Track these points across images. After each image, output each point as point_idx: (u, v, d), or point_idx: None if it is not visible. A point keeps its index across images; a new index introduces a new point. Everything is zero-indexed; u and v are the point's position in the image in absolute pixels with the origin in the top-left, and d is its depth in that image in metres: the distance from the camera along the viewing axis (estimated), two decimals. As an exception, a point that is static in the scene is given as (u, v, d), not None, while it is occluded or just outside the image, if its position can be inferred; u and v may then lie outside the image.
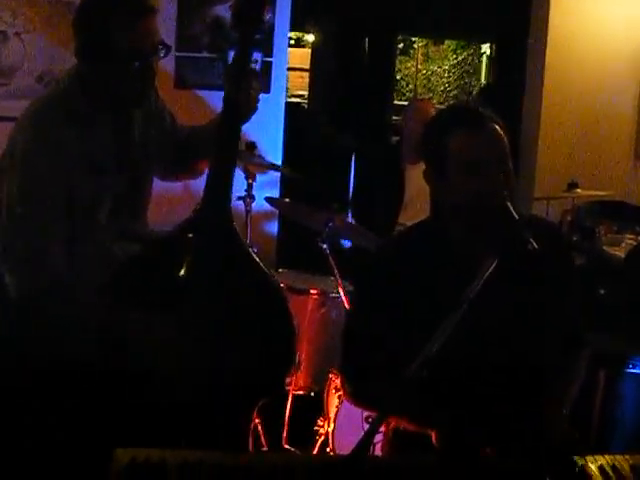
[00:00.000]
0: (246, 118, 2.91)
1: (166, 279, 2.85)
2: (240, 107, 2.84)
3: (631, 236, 6.12)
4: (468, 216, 2.59)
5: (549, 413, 2.63)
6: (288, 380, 4.52)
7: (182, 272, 2.83)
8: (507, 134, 2.61)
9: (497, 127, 2.58)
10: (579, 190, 5.81)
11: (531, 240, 2.47)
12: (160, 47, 2.81)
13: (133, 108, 2.91)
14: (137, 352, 2.78)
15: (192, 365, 2.77)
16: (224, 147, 2.84)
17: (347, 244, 5.00)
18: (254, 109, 2.95)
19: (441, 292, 2.43)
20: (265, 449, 4.26)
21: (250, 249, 2.99)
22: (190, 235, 2.86)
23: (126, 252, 2.91)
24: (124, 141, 2.94)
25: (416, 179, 5.50)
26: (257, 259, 2.94)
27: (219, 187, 2.83)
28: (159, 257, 2.92)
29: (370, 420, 4.14)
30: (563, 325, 2.75)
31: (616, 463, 2.31)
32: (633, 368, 4.30)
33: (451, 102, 18.02)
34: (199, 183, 2.96)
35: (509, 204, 2.50)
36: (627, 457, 2.34)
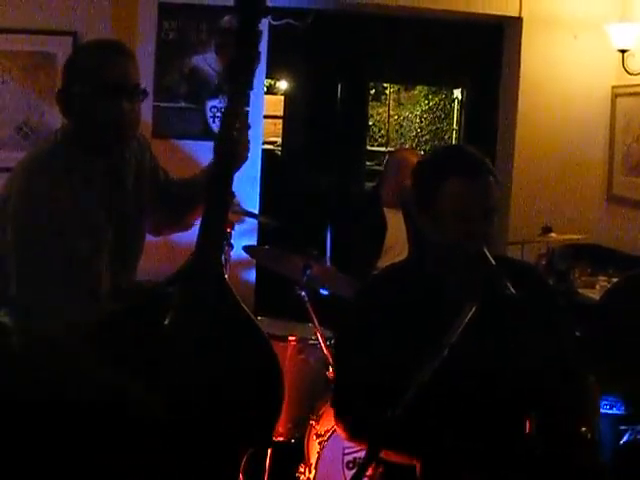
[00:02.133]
0: (239, 167, 2.95)
1: (152, 330, 2.85)
2: (234, 156, 2.87)
3: (604, 278, 6.17)
4: (447, 259, 2.63)
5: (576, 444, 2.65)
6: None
7: (166, 322, 2.83)
8: (499, 183, 2.66)
9: (492, 178, 2.63)
10: (553, 234, 5.87)
11: (508, 285, 2.51)
12: (136, 89, 2.87)
13: (116, 147, 2.93)
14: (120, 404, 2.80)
15: (178, 415, 2.78)
16: (217, 196, 2.85)
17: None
18: (246, 158, 3.01)
19: (423, 331, 2.45)
20: (246, 497, 4.25)
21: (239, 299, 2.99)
22: (178, 286, 2.86)
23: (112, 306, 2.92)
24: (117, 195, 2.97)
25: (396, 224, 5.56)
26: (246, 309, 2.96)
27: (212, 236, 2.83)
28: (146, 308, 2.92)
29: (351, 466, 4.17)
30: (556, 361, 2.76)
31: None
32: (609, 409, 4.33)
33: (423, 147, 18.15)
34: (193, 234, 2.97)
35: (486, 250, 2.54)
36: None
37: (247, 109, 2.97)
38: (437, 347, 2.26)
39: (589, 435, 2.69)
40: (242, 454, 2.97)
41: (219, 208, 2.85)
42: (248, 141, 3.00)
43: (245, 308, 2.98)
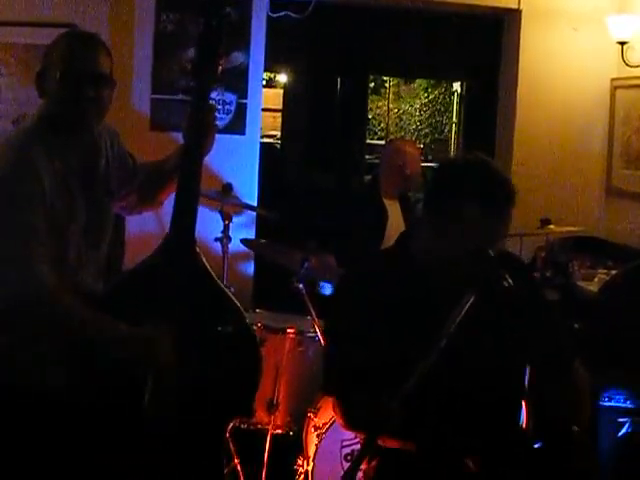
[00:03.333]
0: (205, 153, 3.13)
1: (136, 309, 2.98)
2: (200, 145, 3.07)
3: (604, 271, 6.17)
4: (447, 255, 2.62)
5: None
6: (267, 419, 4.54)
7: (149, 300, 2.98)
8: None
9: (512, 205, 2.66)
10: (552, 226, 5.86)
11: (506, 277, 2.52)
12: (109, 78, 3.02)
13: (84, 130, 3.06)
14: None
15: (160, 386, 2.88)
16: (188, 178, 3.04)
17: (327, 290, 5.02)
18: (211, 145, 3.17)
19: (411, 320, 2.44)
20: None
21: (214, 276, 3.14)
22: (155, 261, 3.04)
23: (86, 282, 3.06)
24: (89, 176, 3.10)
25: (395, 214, 5.55)
26: (218, 280, 3.13)
27: (185, 216, 3.01)
28: (129, 288, 3.08)
29: (349, 458, 4.17)
30: (547, 354, 2.77)
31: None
32: (608, 401, 4.33)
33: (423, 140, 18.15)
34: None
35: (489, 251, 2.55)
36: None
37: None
38: (435, 338, 2.26)
39: (581, 434, 2.69)
40: (225, 423, 3.16)
41: (191, 188, 3.03)
42: (214, 132, 3.17)
43: (216, 279, 3.13)
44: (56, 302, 2.84)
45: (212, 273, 3.12)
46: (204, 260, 3.09)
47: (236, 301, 3.14)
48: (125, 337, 2.89)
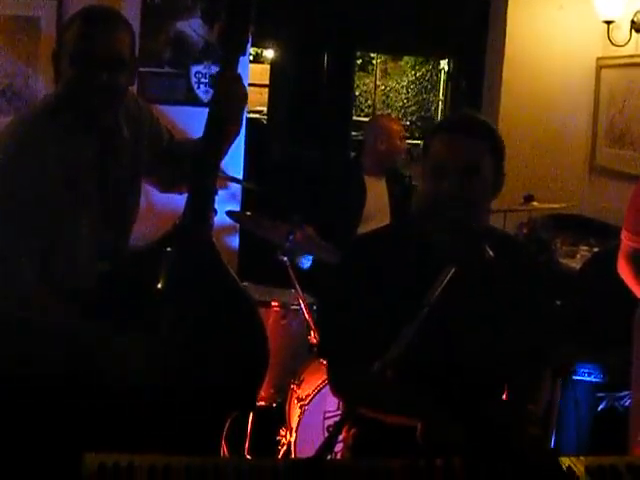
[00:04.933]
0: (234, 132, 2.99)
1: (142, 292, 2.90)
2: (225, 118, 2.89)
3: (586, 248, 6.21)
4: (430, 221, 2.65)
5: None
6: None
7: (159, 285, 2.88)
8: (499, 149, 2.68)
9: (477, 140, 2.63)
10: (535, 203, 5.89)
11: (487, 249, 2.55)
12: (126, 61, 2.85)
13: (97, 118, 2.92)
14: (108, 366, 2.83)
15: (164, 378, 2.82)
16: (206, 159, 2.90)
17: (306, 264, 5.05)
18: (239, 121, 3.01)
19: (408, 292, 2.45)
20: (228, 459, 4.29)
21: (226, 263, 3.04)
22: (168, 249, 2.90)
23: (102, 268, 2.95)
24: (107, 160, 2.98)
25: (376, 192, 5.57)
26: (233, 273, 3.02)
27: (202, 199, 2.92)
28: (136, 271, 2.97)
29: (331, 430, 4.20)
30: (526, 338, 2.77)
31: (571, 464, 2.39)
32: (587, 376, 4.39)
33: (410, 118, 18.14)
34: (181, 199, 3.00)
35: (466, 213, 2.57)
36: (582, 459, 2.42)
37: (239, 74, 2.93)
38: (416, 308, 2.28)
39: (535, 414, 2.71)
40: (226, 417, 3.02)
41: (208, 170, 2.92)
42: (242, 105, 3.00)
43: (232, 272, 3.03)
44: (32, 299, 2.79)
45: (223, 261, 3.02)
46: (218, 250, 3.00)
47: (248, 293, 3.10)
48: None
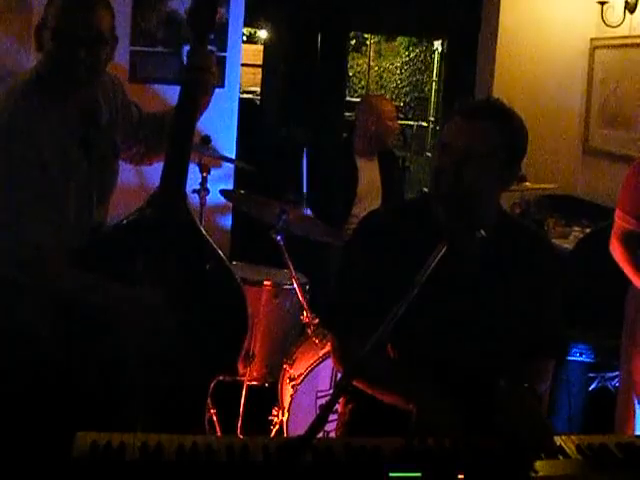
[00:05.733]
0: (203, 106, 3.13)
1: (124, 259, 2.97)
2: (197, 94, 3.04)
3: (578, 229, 6.23)
4: (438, 200, 2.66)
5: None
6: (242, 370, 4.57)
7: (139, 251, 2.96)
8: (514, 141, 2.65)
9: (492, 126, 2.59)
10: (528, 183, 5.90)
11: (480, 229, 2.55)
12: (106, 37, 2.91)
13: (79, 89, 2.98)
14: (100, 332, 2.89)
15: (146, 344, 2.89)
16: (181, 129, 3.02)
17: None
18: (210, 93, 3.16)
19: (418, 265, 2.43)
20: (220, 438, 4.30)
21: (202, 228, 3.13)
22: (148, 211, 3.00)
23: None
24: (90, 130, 3.04)
25: (368, 172, 5.57)
26: (210, 239, 3.09)
27: (177, 166, 2.99)
28: (117, 238, 3.05)
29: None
30: (537, 329, 2.76)
31: (562, 443, 2.40)
32: (579, 356, 4.41)
33: (403, 99, 18.13)
34: (155, 178, 3.05)
35: (459, 191, 2.57)
36: (573, 437, 2.44)
37: (211, 49, 3.14)
38: (408, 286, 2.28)
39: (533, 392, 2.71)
40: (209, 381, 3.11)
41: (184, 139, 3.03)
42: (213, 78, 3.14)
43: (207, 237, 3.10)
44: (48, 265, 2.84)
45: (202, 230, 3.10)
46: (194, 217, 3.08)
47: (225, 258, 3.14)
48: (116, 298, 2.90)
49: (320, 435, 2.14)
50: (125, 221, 3.04)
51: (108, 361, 2.90)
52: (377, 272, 2.68)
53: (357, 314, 2.68)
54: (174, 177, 2.98)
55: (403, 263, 2.56)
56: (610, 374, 4.46)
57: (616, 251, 3.87)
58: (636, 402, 3.87)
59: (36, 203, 2.83)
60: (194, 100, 3.04)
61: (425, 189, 4.35)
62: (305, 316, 4.52)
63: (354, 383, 2.54)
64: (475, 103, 2.83)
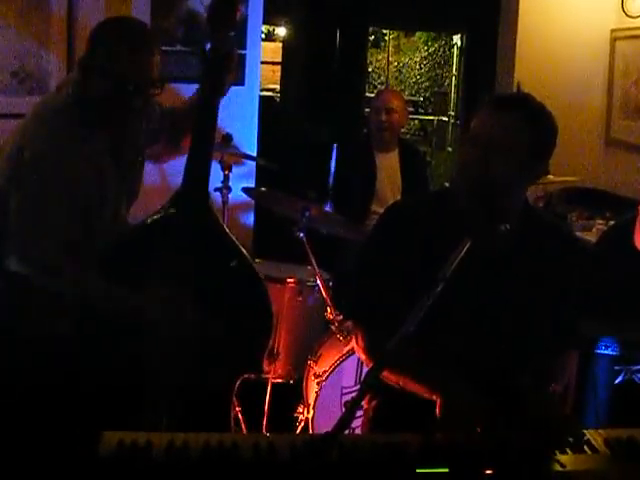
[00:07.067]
0: (220, 97, 3.09)
1: (149, 256, 3.00)
2: (217, 93, 3.04)
3: (602, 221, 6.19)
4: (462, 191, 2.64)
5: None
6: (267, 368, 4.58)
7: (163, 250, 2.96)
8: (542, 135, 2.65)
9: (522, 119, 2.59)
10: (550, 176, 5.86)
11: (504, 223, 2.53)
12: (156, 83, 2.96)
13: (118, 126, 3.04)
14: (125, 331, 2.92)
15: (172, 344, 2.91)
16: (203, 125, 3.03)
17: None
18: (227, 89, 3.14)
19: (443, 257, 2.43)
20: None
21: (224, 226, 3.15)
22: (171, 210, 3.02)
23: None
24: (125, 145, 3.10)
25: (387, 168, 5.56)
26: (232, 237, 3.12)
27: (199, 166, 2.99)
28: (142, 236, 3.08)
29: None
30: (560, 322, 2.77)
31: (590, 437, 2.39)
32: (605, 349, 4.37)
33: (423, 94, 18.08)
34: (177, 177, 3.06)
35: (490, 187, 2.56)
36: (600, 432, 2.43)
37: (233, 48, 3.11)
38: (432, 282, 2.27)
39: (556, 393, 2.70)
40: (234, 379, 3.15)
41: (205, 135, 3.03)
42: (230, 80, 3.14)
43: (230, 234, 3.12)
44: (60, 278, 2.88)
45: (225, 228, 3.13)
46: (217, 214, 3.10)
47: (249, 256, 3.15)
48: (135, 306, 2.92)
49: (346, 432, 2.12)
50: (149, 220, 3.06)
51: (133, 361, 2.91)
52: (400, 261, 2.68)
53: (382, 303, 2.68)
54: (197, 175, 2.99)
55: (426, 252, 2.56)
56: (636, 367, 4.43)
57: (642, 247, 3.84)
58: (663, 395, 3.85)
59: (72, 218, 2.87)
60: (215, 96, 3.03)
61: (447, 184, 4.35)
62: (329, 313, 4.51)
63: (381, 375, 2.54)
64: (506, 95, 2.84)
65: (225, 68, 3.05)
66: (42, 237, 2.84)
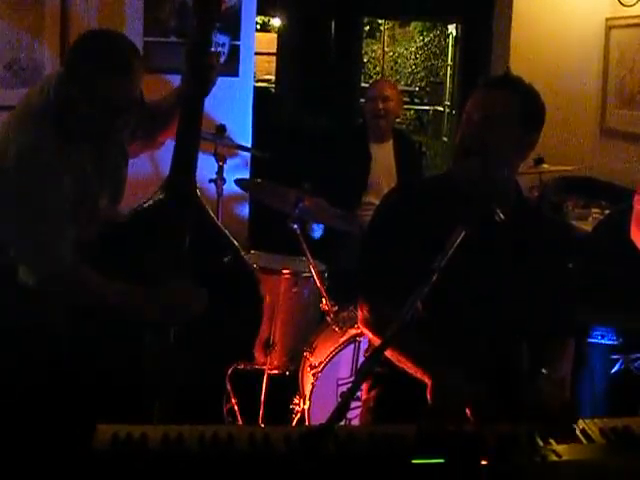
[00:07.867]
0: (206, 93, 3.05)
1: (139, 245, 3.01)
2: (202, 85, 3.02)
3: (597, 210, 6.20)
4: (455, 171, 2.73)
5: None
6: (263, 359, 4.58)
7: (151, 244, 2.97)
8: (530, 108, 2.74)
9: (510, 94, 2.72)
10: (546, 165, 5.87)
11: (498, 211, 2.54)
12: (138, 100, 2.97)
13: (97, 141, 3.03)
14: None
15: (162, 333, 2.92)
16: (190, 119, 3.00)
17: (317, 232, 5.05)
18: (213, 83, 3.09)
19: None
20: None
21: (212, 215, 3.16)
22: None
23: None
24: (109, 147, 3.10)
25: (382, 158, 5.55)
26: (219, 223, 3.16)
27: (185, 151, 2.99)
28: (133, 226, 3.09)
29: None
30: (555, 309, 2.81)
31: (585, 427, 2.39)
32: (601, 339, 4.38)
33: (419, 84, 18.05)
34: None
35: (486, 162, 2.62)
36: (596, 421, 2.43)
37: (223, 42, 3.06)
38: (427, 271, 2.27)
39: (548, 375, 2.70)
40: (226, 368, 3.22)
41: (191, 128, 3.01)
42: (216, 72, 3.08)
43: (219, 224, 3.15)
44: (74, 280, 2.89)
45: (213, 216, 3.13)
46: (204, 203, 3.09)
47: (236, 243, 3.16)
48: (146, 302, 2.91)
49: (342, 423, 2.11)
50: (140, 207, 3.07)
51: (123, 353, 2.91)
52: (410, 240, 2.71)
53: (387, 278, 2.71)
54: (182, 160, 2.99)
55: (431, 233, 2.56)
56: (633, 356, 4.43)
57: (638, 237, 3.84)
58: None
59: (59, 223, 2.86)
60: (201, 93, 3.01)
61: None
62: (324, 304, 4.51)
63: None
64: (494, 76, 3.10)
65: (210, 66, 3.02)
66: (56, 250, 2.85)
